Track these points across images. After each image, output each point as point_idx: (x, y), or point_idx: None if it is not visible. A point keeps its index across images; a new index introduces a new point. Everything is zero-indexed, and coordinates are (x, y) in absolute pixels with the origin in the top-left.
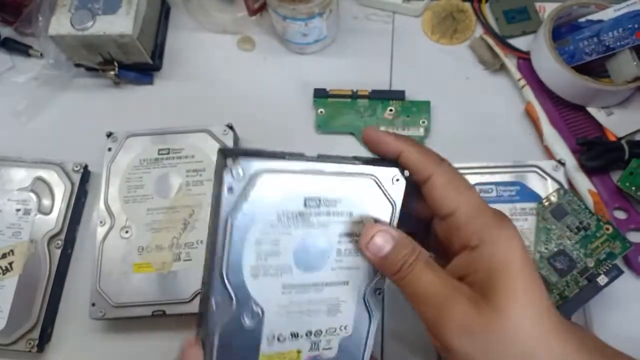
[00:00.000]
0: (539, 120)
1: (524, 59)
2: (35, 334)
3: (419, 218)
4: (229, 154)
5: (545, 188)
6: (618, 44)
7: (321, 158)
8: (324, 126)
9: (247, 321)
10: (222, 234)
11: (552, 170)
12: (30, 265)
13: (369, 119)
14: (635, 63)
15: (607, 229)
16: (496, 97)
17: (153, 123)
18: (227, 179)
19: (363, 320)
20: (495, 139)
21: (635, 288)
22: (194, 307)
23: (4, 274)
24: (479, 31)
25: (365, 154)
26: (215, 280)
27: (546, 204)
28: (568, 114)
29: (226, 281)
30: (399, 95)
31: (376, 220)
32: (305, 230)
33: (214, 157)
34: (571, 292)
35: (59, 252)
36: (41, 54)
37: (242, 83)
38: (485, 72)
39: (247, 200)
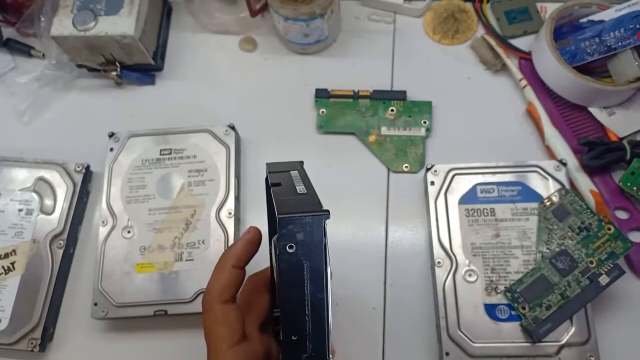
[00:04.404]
0: (540, 120)
1: (526, 59)
2: (37, 333)
3: None
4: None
5: (546, 188)
6: (620, 44)
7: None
8: (325, 126)
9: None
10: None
11: (553, 170)
12: (32, 265)
13: (370, 119)
14: (637, 63)
15: (609, 229)
16: (497, 97)
17: (155, 123)
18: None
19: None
20: (497, 139)
21: (637, 288)
22: (196, 307)
23: (6, 274)
24: (480, 31)
25: (368, 151)
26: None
27: (548, 204)
28: (569, 114)
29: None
30: (400, 96)
31: None
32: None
33: (216, 157)
34: (573, 292)
35: (61, 252)
36: (43, 55)
37: (244, 83)
38: (486, 72)
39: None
